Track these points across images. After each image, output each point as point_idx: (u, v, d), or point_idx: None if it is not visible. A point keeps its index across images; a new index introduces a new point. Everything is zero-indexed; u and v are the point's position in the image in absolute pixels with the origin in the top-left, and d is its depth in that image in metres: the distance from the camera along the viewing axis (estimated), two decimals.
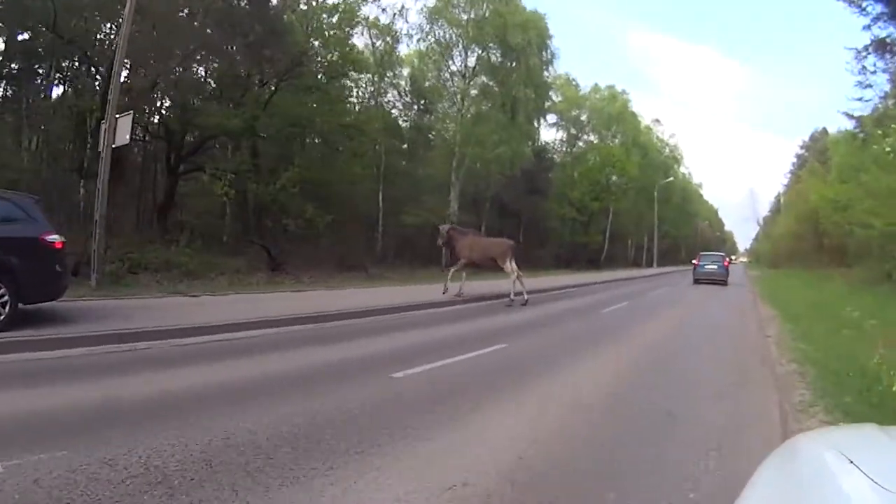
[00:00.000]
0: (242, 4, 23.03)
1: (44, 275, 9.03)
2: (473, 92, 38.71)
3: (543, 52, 40.95)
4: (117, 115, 14.71)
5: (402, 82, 40.51)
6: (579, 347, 10.08)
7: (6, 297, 8.34)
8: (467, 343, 9.70)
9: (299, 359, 8.22)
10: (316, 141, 29.48)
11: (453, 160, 36.92)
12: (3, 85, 23.89)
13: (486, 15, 36.46)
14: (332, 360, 8.18)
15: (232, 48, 24.12)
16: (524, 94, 38.91)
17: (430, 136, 41.46)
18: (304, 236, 27.91)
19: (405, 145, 40.59)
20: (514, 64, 38.40)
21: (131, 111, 15.24)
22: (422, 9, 36.67)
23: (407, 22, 37.04)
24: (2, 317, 8.25)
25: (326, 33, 27.41)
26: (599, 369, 8.28)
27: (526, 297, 17.43)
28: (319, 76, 27.18)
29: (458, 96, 37.75)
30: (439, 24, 36.84)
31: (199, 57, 22.85)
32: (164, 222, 23.49)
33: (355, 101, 36.29)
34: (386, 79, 38.59)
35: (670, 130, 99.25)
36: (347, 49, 29.04)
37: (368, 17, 34.15)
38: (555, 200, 50.88)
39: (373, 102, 37.23)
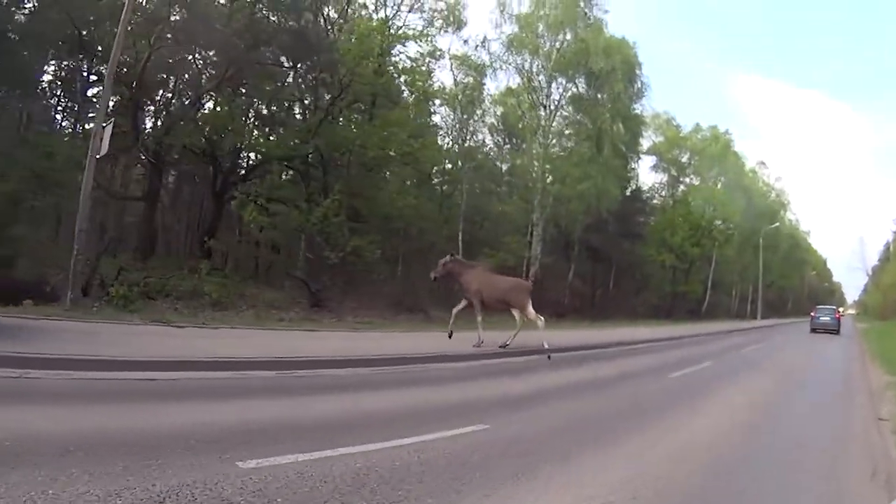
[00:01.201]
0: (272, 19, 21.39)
1: None
2: (556, 124, 36.05)
3: (633, 84, 37.81)
4: (103, 125, 13.52)
5: (492, 119, 38.98)
6: (595, 439, 6.76)
7: None
8: (430, 417, 7.04)
9: (162, 417, 6.01)
10: (386, 174, 27.78)
11: (535, 198, 34.18)
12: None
13: (568, 40, 33.94)
14: (197, 422, 5.88)
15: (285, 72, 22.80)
16: (610, 127, 35.78)
17: (525, 177, 38.82)
18: (359, 272, 26.11)
19: (501, 188, 38.58)
20: (600, 95, 35.57)
21: (111, 120, 13.81)
22: (499, 35, 34.52)
23: (490, 53, 34.96)
24: None
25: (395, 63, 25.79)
26: (597, 494, 4.84)
27: (510, 341, 14.78)
28: (407, 104, 25.56)
29: (540, 130, 35.02)
30: (520, 53, 34.55)
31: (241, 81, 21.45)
32: (205, 249, 21.97)
33: (445, 138, 35.58)
34: (475, 116, 36.83)
35: (776, 174, 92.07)
36: (415, 79, 27.57)
37: (449, 49, 33.24)
38: (652, 246, 47.23)
39: (462, 142, 35.77)
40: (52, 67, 23.18)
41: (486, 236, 34.61)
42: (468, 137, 36.77)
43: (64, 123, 24.87)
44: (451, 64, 34.07)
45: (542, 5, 33.81)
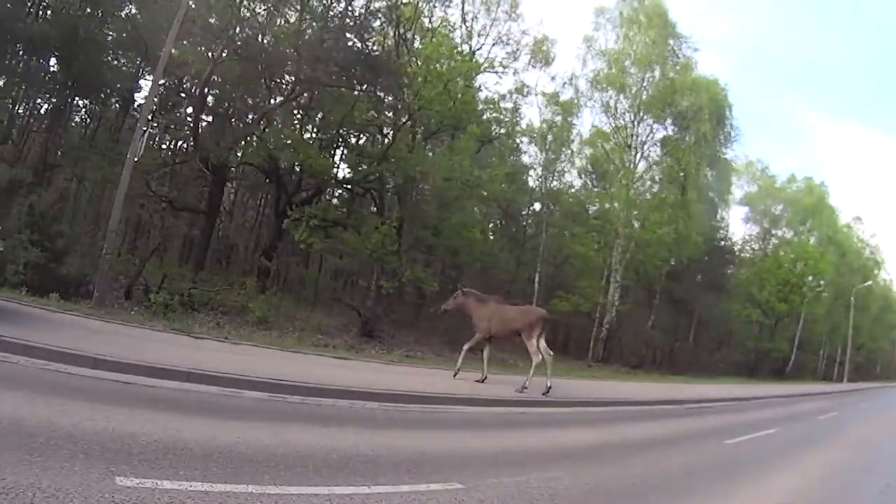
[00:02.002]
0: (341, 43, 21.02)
1: None
2: (641, 165, 34.83)
3: (722, 126, 36.04)
4: (143, 129, 13.71)
5: (581, 161, 37.96)
6: None
7: None
8: (397, 466, 5.99)
9: (85, 417, 5.42)
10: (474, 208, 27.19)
11: (616, 242, 32.80)
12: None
13: (655, 77, 32.86)
14: (116, 429, 5.23)
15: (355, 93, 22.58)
16: (695, 170, 34.06)
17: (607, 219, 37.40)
18: (418, 305, 25.46)
19: (587, 231, 37.15)
20: (686, 136, 33.99)
21: (146, 129, 13.74)
22: (584, 71, 33.83)
23: (577, 90, 34.23)
24: None
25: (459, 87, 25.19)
26: None
27: (549, 384, 13.13)
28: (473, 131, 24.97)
29: (623, 170, 33.72)
30: (606, 90, 33.63)
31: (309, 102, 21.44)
32: (261, 267, 21.78)
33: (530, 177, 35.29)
34: (563, 156, 36.02)
35: (871, 230, 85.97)
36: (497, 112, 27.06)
37: (536, 86, 33.56)
38: (738, 300, 44.76)
39: (548, 182, 35.18)
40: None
41: (565, 279, 33.80)
42: (555, 178, 36.18)
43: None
44: (539, 101, 33.65)
45: (631, 42, 32.93)
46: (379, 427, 8.21)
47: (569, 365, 26.22)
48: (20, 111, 23.77)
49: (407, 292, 22.44)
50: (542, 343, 13.37)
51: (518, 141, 34.38)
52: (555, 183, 36.24)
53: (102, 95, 23.76)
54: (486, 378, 13.77)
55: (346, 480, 5.21)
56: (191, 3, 15.08)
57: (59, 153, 22.47)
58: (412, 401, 10.33)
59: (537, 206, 36.46)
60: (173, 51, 18.51)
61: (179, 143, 23.22)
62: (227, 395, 7.99)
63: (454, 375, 13.62)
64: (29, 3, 20.58)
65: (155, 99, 15.06)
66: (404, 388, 10.95)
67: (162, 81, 21.65)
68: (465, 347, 13.98)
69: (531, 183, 35.80)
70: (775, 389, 30.92)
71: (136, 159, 13.51)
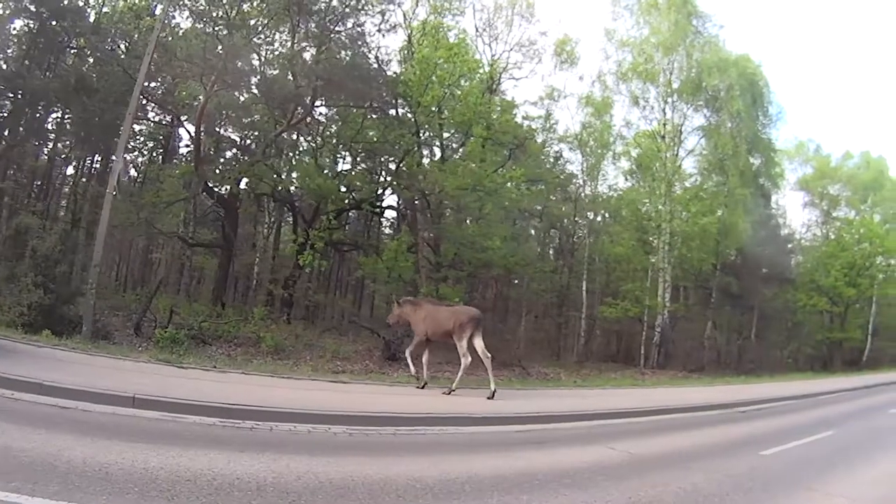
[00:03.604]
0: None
1: None
2: (679, 155, 33.03)
3: (759, 104, 34.37)
4: (119, 163, 14.16)
5: (625, 163, 36.57)
6: None
7: None
8: (277, 497, 5.19)
9: None
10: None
11: (660, 241, 31.30)
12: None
13: (681, 60, 31.40)
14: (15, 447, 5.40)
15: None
16: (733, 152, 32.11)
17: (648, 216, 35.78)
18: None
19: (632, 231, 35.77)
20: (719, 116, 32.32)
21: (121, 163, 13.74)
22: (608, 63, 32.94)
23: (605, 87, 33.29)
24: None
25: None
26: None
27: (494, 388, 12.80)
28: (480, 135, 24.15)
29: (659, 162, 32.11)
30: (631, 81, 32.40)
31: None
32: (282, 297, 21.43)
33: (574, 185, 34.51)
34: (605, 160, 35.18)
35: None
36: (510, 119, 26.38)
37: (564, 88, 32.64)
38: (803, 290, 42.28)
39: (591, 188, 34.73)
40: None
41: (617, 286, 32.98)
42: (599, 182, 35.54)
43: None
44: (571, 104, 33.34)
45: (652, 28, 31.79)
46: (313, 452, 7.03)
47: (621, 374, 25.00)
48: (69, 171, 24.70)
49: None
50: (480, 344, 13.10)
51: (558, 149, 33.76)
52: (600, 188, 35.60)
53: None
54: (426, 384, 13.53)
55: None
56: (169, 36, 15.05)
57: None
58: (392, 423, 9.41)
59: (590, 214, 35.63)
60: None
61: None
62: (167, 419, 7.58)
63: (421, 387, 13.38)
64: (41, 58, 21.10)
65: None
66: (387, 410, 10.07)
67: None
68: (408, 353, 13.82)
69: (581, 192, 34.94)
70: (846, 382, 28.57)
71: (114, 194, 13.55)
